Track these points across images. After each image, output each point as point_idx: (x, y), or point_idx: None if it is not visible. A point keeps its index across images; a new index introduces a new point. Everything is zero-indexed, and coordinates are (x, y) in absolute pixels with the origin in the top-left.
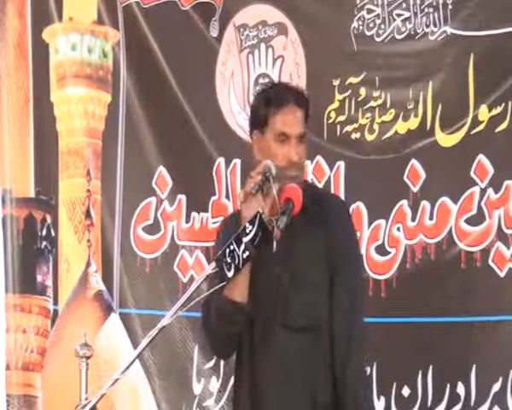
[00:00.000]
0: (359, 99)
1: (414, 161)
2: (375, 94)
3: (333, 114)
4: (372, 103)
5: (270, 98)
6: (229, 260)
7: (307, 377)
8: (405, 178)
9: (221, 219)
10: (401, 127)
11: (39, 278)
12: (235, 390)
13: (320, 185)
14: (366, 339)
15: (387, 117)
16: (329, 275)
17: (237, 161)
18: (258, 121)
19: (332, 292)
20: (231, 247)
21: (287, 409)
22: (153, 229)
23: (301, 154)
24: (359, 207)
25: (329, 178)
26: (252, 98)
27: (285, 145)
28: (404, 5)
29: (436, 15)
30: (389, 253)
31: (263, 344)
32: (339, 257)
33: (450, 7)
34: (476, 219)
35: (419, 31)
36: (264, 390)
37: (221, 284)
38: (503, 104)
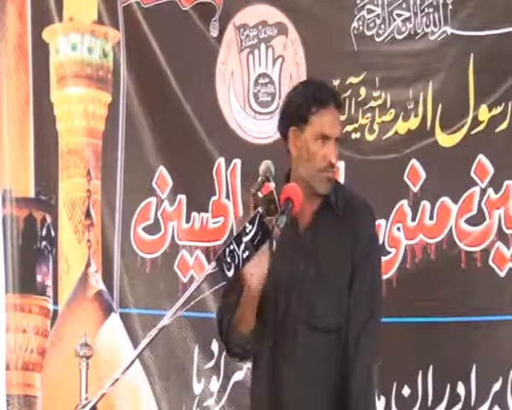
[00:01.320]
0: (359, 99)
1: (414, 161)
2: (375, 94)
3: None
4: (372, 103)
5: (313, 97)
6: (229, 259)
7: (329, 377)
8: (405, 178)
9: (221, 219)
10: (401, 127)
11: (39, 278)
12: (252, 388)
13: None
14: (376, 341)
15: (387, 117)
16: (350, 277)
17: (237, 161)
18: (298, 118)
19: (349, 293)
20: (231, 247)
21: (308, 409)
22: (153, 229)
23: (337, 155)
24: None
25: None
26: (252, 98)
27: (325, 146)
28: (404, 5)
29: (436, 15)
30: (389, 253)
31: (284, 343)
32: (359, 259)
33: (450, 7)
34: (476, 219)
35: (419, 31)
36: (285, 389)
37: (221, 284)
38: (503, 104)
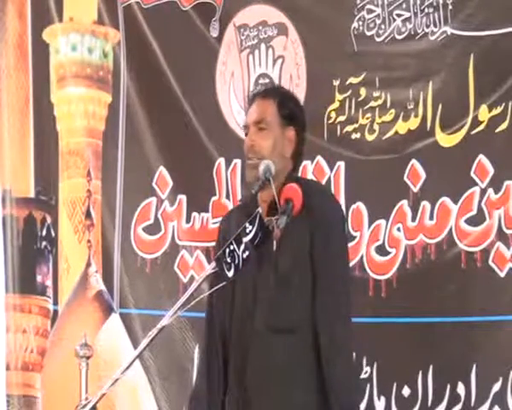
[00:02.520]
0: (359, 99)
1: (414, 162)
2: (375, 94)
3: (333, 115)
4: (372, 103)
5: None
6: (229, 259)
7: (287, 377)
8: (405, 178)
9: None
10: (401, 127)
11: (39, 278)
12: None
13: None
14: (351, 341)
15: (387, 117)
16: (313, 274)
17: (237, 161)
18: None
19: (315, 293)
20: (231, 247)
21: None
22: (153, 229)
23: (257, 140)
24: (359, 208)
25: (329, 178)
26: None
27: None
28: (404, 5)
29: (436, 15)
30: (389, 253)
31: (252, 348)
32: (320, 256)
33: (450, 7)
34: (476, 220)
35: (419, 31)
36: (256, 393)
37: (221, 284)
38: (503, 104)
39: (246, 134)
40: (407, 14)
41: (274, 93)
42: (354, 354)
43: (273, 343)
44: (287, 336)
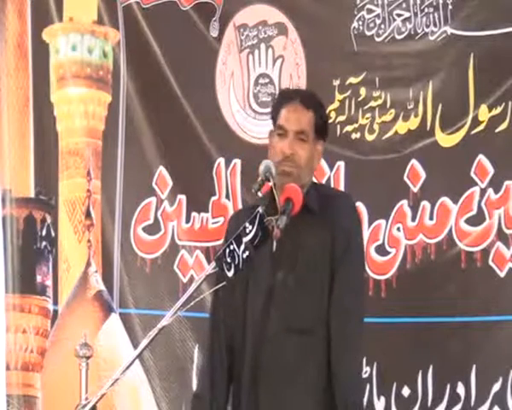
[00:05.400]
0: (359, 99)
1: (414, 161)
2: (375, 94)
3: (333, 114)
4: (372, 103)
5: (280, 95)
6: (229, 259)
7: (298, 377)
8: (405, 178)
9: (221, 219)
10: (401, 127)
11: (39, 278)
12: (233, 388)
13: None
14: (361, 340)
15: (387, 117)
16: (331, 274)
17: (237, 161)
18: (273, 119)
19: (331, 291)
20: (231, 247)
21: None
22: (153, 229)
23: (298, 150)
24: (359, 208)
25: (329, 178)
26: (252, 98)
27: (283, 140)
28: (404, 5)
29: (436, 15)
30: (389, 253)
31: (265, 348)
32: (339, 256)
33: (450, 7)
34: (476, 220)
35: (419, 31)
36: (267, 392)
37: (221, 284)
38: (503, 104)
39: (279, 135)
40: (407, 14)
41: (313, 104)
42: None
43: (286, 343)
44: (301, 336)
